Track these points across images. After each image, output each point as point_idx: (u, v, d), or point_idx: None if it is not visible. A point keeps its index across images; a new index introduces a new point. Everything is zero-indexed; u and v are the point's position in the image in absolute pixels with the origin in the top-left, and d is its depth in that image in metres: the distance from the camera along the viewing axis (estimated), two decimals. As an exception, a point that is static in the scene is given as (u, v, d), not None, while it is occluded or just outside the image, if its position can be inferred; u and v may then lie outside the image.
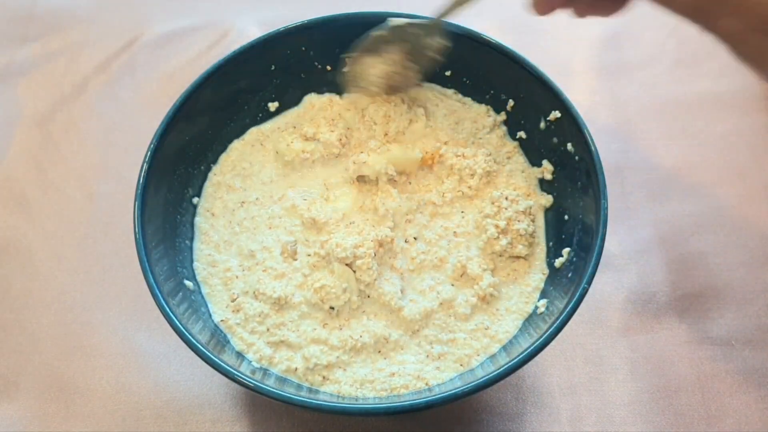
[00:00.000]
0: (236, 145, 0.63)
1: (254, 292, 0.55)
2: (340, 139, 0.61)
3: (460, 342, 0.53)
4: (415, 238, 0.57)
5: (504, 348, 0.53)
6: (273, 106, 0.65)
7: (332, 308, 0.54)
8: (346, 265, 0.54)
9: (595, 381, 0.59)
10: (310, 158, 0.61)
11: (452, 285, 0.56)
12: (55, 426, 0.57)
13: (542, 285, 0.56)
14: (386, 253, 0.56)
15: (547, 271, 0.56)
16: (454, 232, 0.58)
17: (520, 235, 0.56)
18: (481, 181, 0.59)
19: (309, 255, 0.56)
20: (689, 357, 0.60)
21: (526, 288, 0.56)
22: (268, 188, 0.61)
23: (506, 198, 0.58)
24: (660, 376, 0.59)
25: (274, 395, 0.46)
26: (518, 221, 0.57)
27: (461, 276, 0.56)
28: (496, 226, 0.56)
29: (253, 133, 0.64)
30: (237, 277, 0.56)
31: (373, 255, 0.54)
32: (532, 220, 0.58)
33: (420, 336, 0.54)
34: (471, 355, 0.53)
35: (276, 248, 0.57)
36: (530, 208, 0.58)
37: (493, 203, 0.58)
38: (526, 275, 0.56)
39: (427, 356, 0.53)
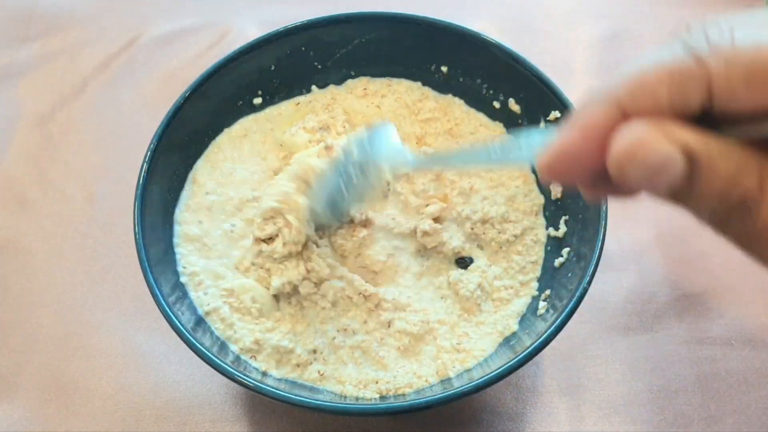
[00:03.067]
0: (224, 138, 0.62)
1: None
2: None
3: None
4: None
5: (502, 347, 0.53)
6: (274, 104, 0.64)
7: None
8: None
9: (595, 381, 0.59)
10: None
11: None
12: (55, 426, 0.57)
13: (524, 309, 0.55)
14: None
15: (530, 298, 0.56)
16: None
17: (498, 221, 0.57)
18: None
19: None
20: (689, 357, 0.60)
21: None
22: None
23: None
24: (660, 376, 0.59)
25: (274, 395, 0.46)
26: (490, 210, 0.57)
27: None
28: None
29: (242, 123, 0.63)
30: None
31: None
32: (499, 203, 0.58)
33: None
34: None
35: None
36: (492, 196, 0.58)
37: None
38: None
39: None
